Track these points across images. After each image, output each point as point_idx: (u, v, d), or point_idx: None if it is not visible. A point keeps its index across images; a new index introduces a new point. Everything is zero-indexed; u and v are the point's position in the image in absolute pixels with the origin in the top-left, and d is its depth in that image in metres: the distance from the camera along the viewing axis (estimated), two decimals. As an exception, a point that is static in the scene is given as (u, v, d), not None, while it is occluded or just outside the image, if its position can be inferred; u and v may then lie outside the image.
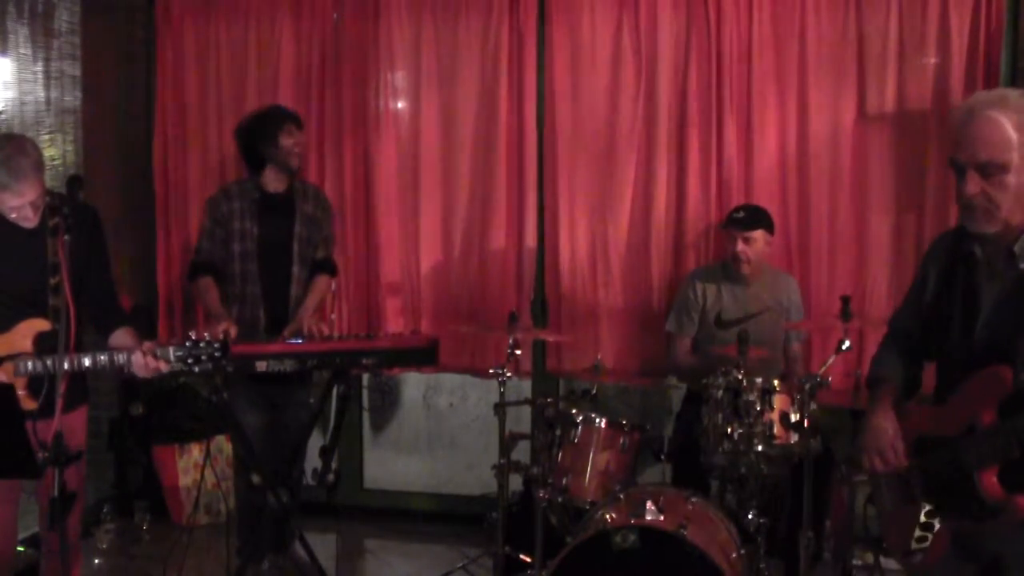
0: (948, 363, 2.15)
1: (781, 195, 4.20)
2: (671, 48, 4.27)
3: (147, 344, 2.78)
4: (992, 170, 1.92)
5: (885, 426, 2.20)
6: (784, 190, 4.20)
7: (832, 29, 4.13)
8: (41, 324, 2.79)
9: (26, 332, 2.80)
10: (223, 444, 4.67)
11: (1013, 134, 1.91)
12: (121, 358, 2.75)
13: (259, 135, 3.83)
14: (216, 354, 2.77)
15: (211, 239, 3.84)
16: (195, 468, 4.60)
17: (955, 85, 4.04)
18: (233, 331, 3.54)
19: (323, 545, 3.74)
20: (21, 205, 2.74)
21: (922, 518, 2.11)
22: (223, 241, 3.82)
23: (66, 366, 2.65)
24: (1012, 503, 1.90)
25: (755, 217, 3.84)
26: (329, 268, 4.04)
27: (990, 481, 1.93)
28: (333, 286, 4.22)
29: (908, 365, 2.33)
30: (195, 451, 4.63)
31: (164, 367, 2.76)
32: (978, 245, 2.05)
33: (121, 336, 2.95)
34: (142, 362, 2.74)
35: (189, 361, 2.75)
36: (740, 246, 3.79)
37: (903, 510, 2.19)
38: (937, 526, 2.09)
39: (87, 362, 2.74)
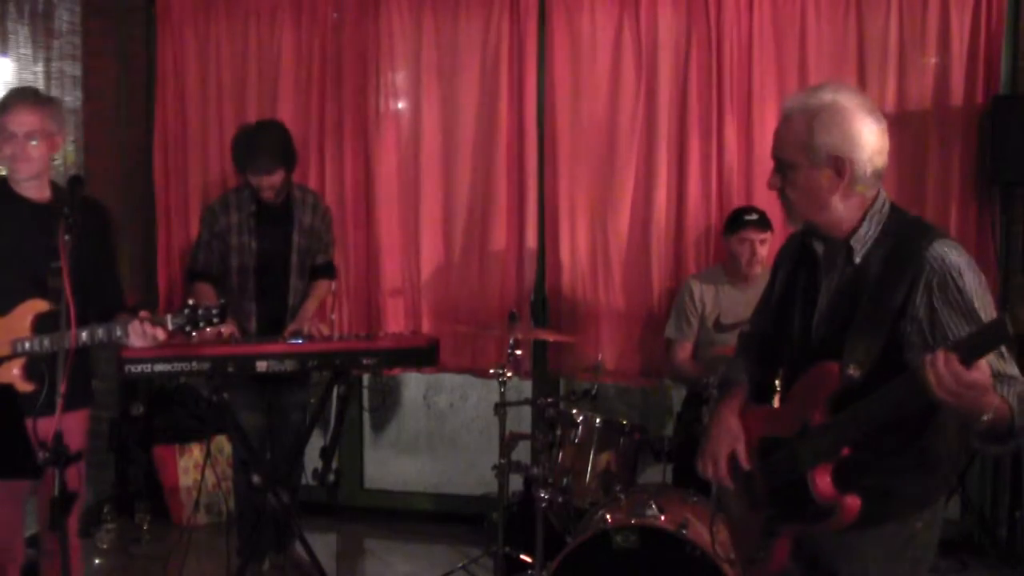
0: (790, 363, 2.09)
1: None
2: (671, 48, 4.27)
3: (143, 312, 2.78)
4: (783, 167, 1.96)
5: (724, 432, 2.13)
6: (784, 190, 4.20)
7: (832, 29, 4.14)
8: (40, 305, 2.78)
9: (25, 314, 2.79)
10: (223, 444, 4.66)
11: (804, 135, 1.91)
12: (118, 330, 2.74)
13: (235, 161, 3.82)
14: (215, 319, 2.76)
15: (208, 250, 3.83)
16: (195, 468, 4.60)
17: (955, 85, 4.04)
18: (234, 330, 3.55)
19: (323, 545, 3.75)
20: (14, 132, 2.77)
21: (764, 525, 2.06)
22: (221, 254, 3.81)
23: (65, 344, 2.65)
24: (840, 503, 1.85)
25: (766, 218, 3.84)
26: (329, 273, 4.03)
27: (823, 480, 1.88)
28: (333, 287, 4.22)
29: (763, 368, 2.22)
30: (195, 451, 4.64)
31: (162, 334, 2.74)
32: (819, 243, 2.03)
33: (120, 319, 2.93)
34: (139, 329, 2.72)
35: (187, 328, 2.75)
36: (757, 248, 3.78)
37: (747, 516, 2.13)
38: (779, 533, 2.03)
39: (84, 336, 2.72)
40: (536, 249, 4.47)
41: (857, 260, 1.94)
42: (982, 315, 1.80)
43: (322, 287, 3.97)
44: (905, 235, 1.92)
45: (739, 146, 4.21)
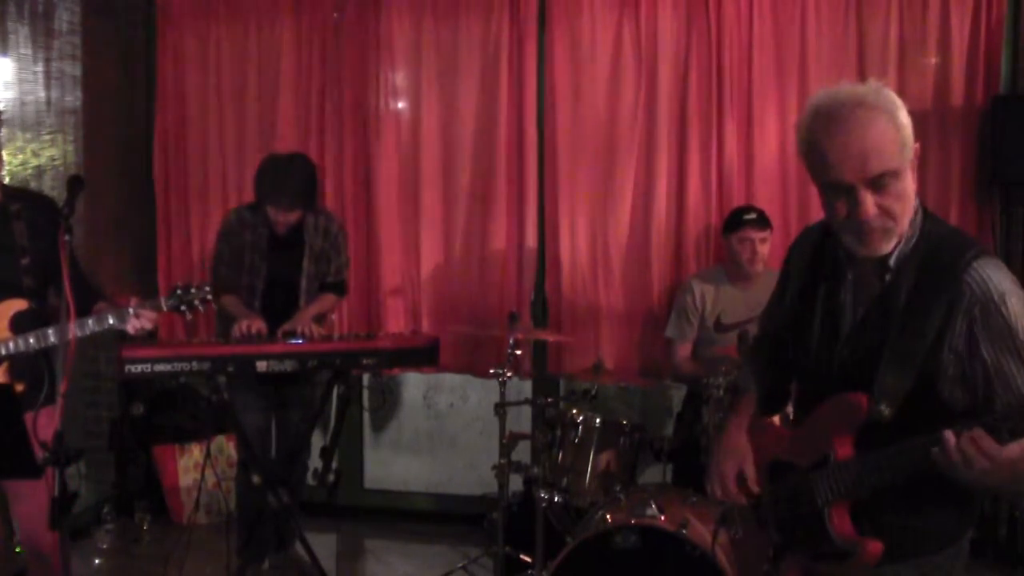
0: (807, 380, 1.92)
1: (781, 195, 4.20)
2: (671, 48, 4.27)
3: (134, 299, 2.78)
4: (887, 181, 1.65)
5: (731, 451, 2.01)
6: (784, 190, 4.20)
7: (832, 29, 4.14)
8: (17, 304, 2.76)
9: (2, 315, 2.77)
10: (223, 444, 4.67)
11: (896, 134, 1.65)
12: (111, 319, 2.74)
13: (257, 189, 3.72)
14: (207, 297, 2.81)
15: (230, 266, 3.78)
16: (195, 468, 4.60)
17: (955, 85, 4.04)
18: (262, 328, 3.54)
19: (323, 545, 3.74)
20: None
21: (771, 551, 1.92)
22: (236, 270, 3.79)
23: (52, 339, 2.65)
24: (860, 547, 1.70)
25: (765, 217, 3.85)
26: (339, 290, 3.98)
27: (842, 519, 1.73)
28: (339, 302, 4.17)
29: (776, 373, 2.05)
30: (195, 451, 4.64)
31: (153, 315, 2.79)
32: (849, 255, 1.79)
33: (102, 308, 2.90)
34: (135, 321, 2.76)
35: (182, 308, 2.79)
36: (758, 247, 3.79)
37: (755, 537, 1.99)
38: (787, 561, 1.89)
39: (76, 330, 2.65)
40: (536, 249, 4.47)
41: (888, 278, 1.73)
42: None
43: (328, 298, 3.93)
44: (940, 250, 1.70)
45: (739, 146, 4.21)
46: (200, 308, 2.85)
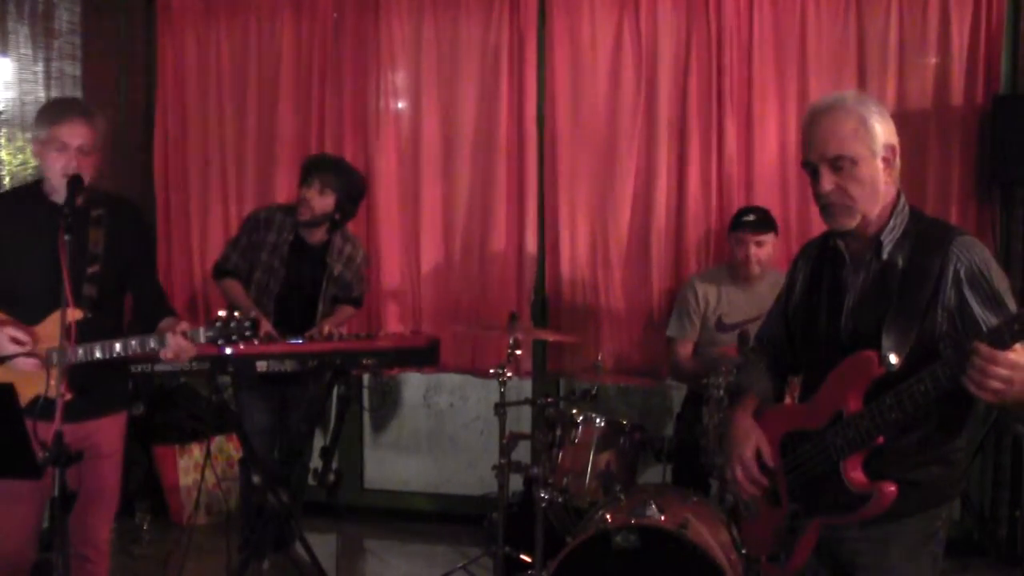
0: (814, 361, 2.11)
1: (781, 195, 4.20)
2: (671, 48, 4.27)
3: (182, 325, 2.66)
4: (842, 164, 1.95)
5: (743, 434, 2.15)
6: (784, 190, 4.20)
7: (832, 29, 4.14)
8: (75, 313, 2.66)
9: (57, 321, 2.70)
10: (223, 444, 4.67)
11: (858, 128, 1.95)
12: (152, 342, 2.63)
13: (301, 168, 3.83)
14: (247, 332, 2.65)
15: (242, 256, 3.80)
16: (195, 468, 4.60)
17: (955, 85, 4.04)
18: (266, 325, 3.53)
19: (323, 545, 3.74)
20: (65, 145, 2.65)
21: (787, 521, 2.08)
22: (250, 264, 3.79)
23: (98, 354, 2.61)
24: (877, 489, 1.88)
25: (765, 220, 3.82)
26: (356, 303, 4.01)
27: (855, 469, 1.91)
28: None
29: (773, 376, 2.31)
30: (195, 451, 4.63)
31: (193, 350, 2.66)
32: (842, 241, 2.06)
33: (166, 324, 2.81)
34: (176, 344, 2.61)
35: (220, 341, 2.65)
36: (752, 250, 3.77)
37: (767, 513, 2.15)
38: (803, 529, 2.04)
39: (118, 347, 2.64)
40: (536, 249, 4.47)
41: (885, 255, 1.98)
42: (1008, 302, 1.87)
43: (346, 310, 3.95)
44: (928, 231, 1.98)
45: (739, 146, 4.21)
46: (240, 344, 2.71)
